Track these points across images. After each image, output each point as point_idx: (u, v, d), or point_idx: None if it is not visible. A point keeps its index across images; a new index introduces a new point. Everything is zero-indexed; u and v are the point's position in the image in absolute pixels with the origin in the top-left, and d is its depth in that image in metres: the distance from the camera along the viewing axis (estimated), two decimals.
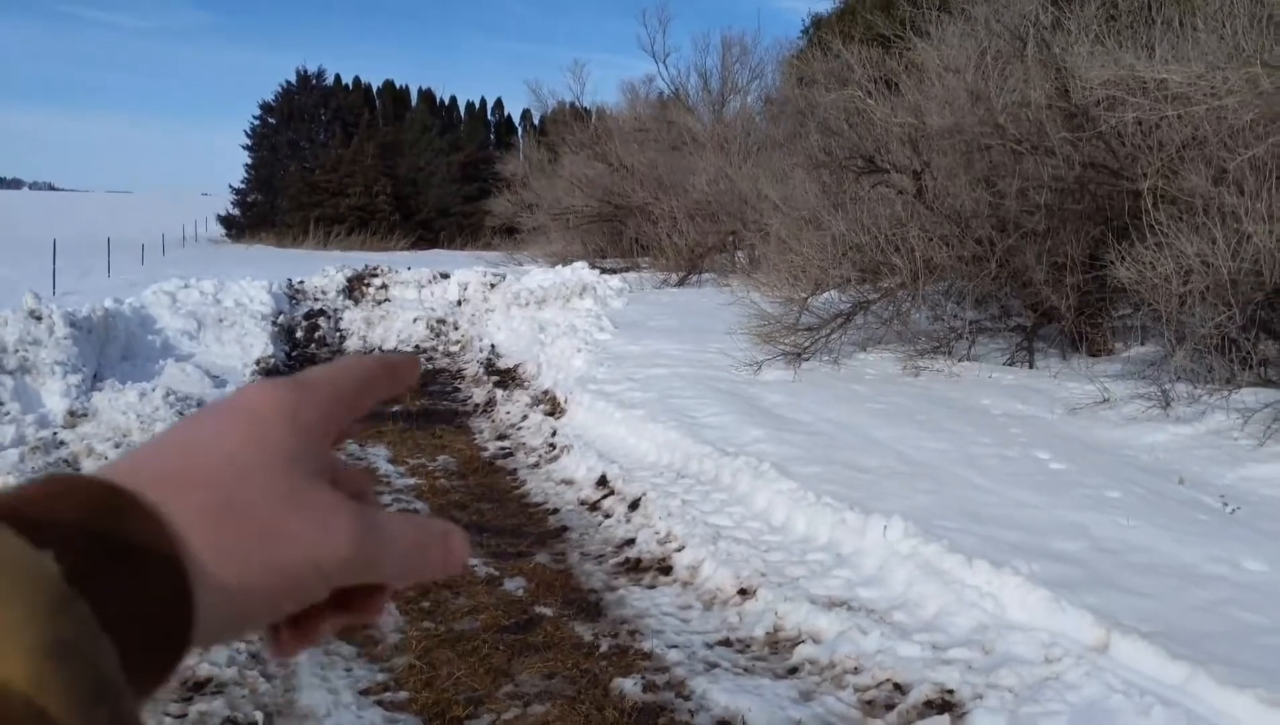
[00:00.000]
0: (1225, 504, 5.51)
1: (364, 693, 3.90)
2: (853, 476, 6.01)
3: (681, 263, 18.75)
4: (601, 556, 5.48)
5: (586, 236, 23.90)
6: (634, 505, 6.06)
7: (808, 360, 9.65)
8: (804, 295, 9.86)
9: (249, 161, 46.27)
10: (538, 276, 15.75)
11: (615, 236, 23.41)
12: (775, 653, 4.27)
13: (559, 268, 16.67)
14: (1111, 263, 7.89)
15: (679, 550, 5.29)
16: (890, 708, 3.71)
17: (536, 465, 7.46)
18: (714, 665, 4.13)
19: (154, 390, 8.51)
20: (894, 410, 7.81)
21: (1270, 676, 3.50)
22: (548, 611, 4.70)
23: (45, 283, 16.49)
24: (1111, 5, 9.87)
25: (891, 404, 8.05)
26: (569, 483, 6.88)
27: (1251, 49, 7.59)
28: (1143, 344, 9.27)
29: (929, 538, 4.86)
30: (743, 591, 4.76)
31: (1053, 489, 5.70)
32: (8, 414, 7.80)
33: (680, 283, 18.45)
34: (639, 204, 20.79)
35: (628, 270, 19.58)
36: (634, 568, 5.26)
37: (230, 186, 46.69)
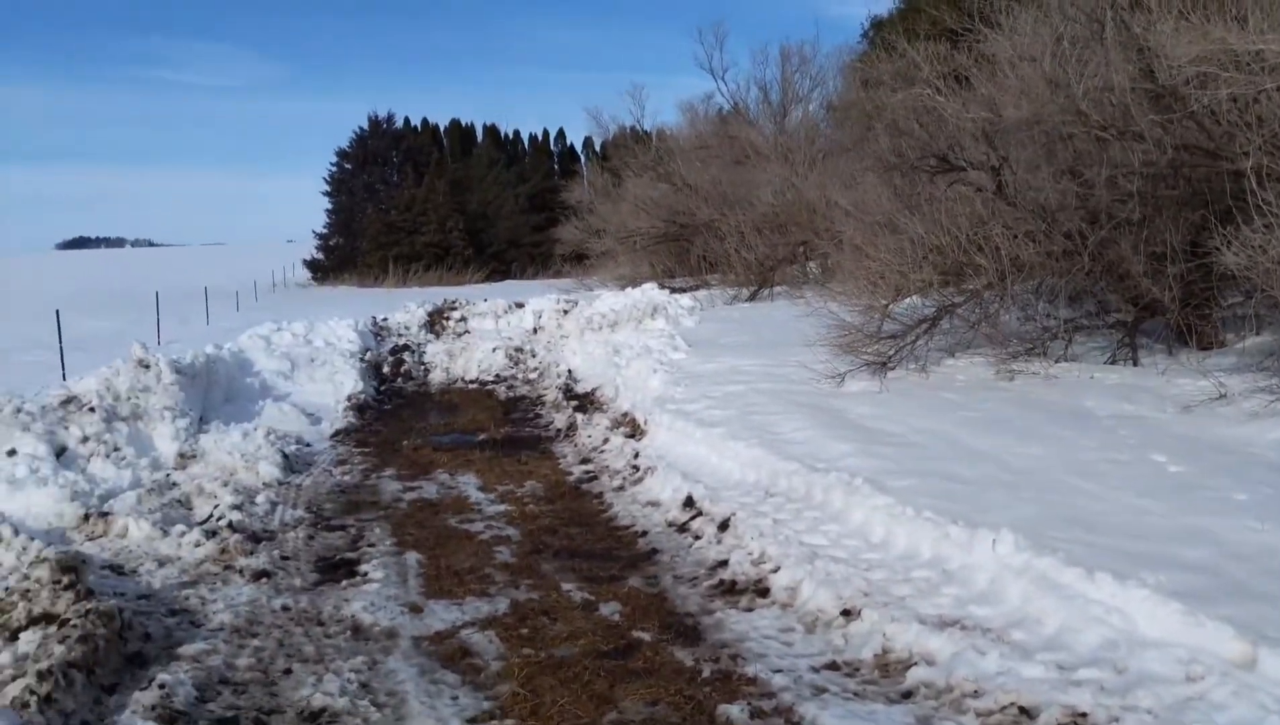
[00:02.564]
0: None
1: (471, 721, 3.81)
2: (952, 488, 5.72)
3: (752, 277, 18.53)
4: (695, 579, 5.30)
5: (654, 257, 23.87)
6: (723, 526, 5.87)
7: (893, 369, 9.34)
8: (884, 302, 9.55)
9: (329, 206, 47.81)
10: (609, 300, 15.73)
11: (683, 255, 23.32)
12: (886, 676, 4.03)
13: (629, 290, 16.63)
14: (1217, 249, 7.43)
15: (775, 571, 5.08)
16: None
17: (621, 488, 7.34)
18: (822, 690, 3.91)
19: (256, 430, 8.70)
20: (989, 417, 7.47)
21: None
22: (646, 636, 4.55)
23: (150, 332, 17.15)
24: None
25: (986, 411, 7.70)
26: (655, 504, 6.73)
27: None
28: (1258, 333, 8.70)
29: (1042, 550, 4.57)
30: (846, 612, 4.53)
31: (1173, 493, 5.32)
32: (124, 458, 8.02)
33: (751, 298, 18.22)
34: (705, 221, 20.67)
35: (697, 288, 19.45)
36: (729, 590, 5.07)
37: (313, 232, 48.26)
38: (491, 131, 51.53)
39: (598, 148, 41.22)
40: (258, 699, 3.99)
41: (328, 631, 4.70)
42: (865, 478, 5.93)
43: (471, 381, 13.64)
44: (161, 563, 5.56)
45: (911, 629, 4.21)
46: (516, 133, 52.31)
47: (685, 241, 22.58)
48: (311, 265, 46.67)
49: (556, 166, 50.32)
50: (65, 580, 4.73)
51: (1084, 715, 3.44)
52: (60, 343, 12.86)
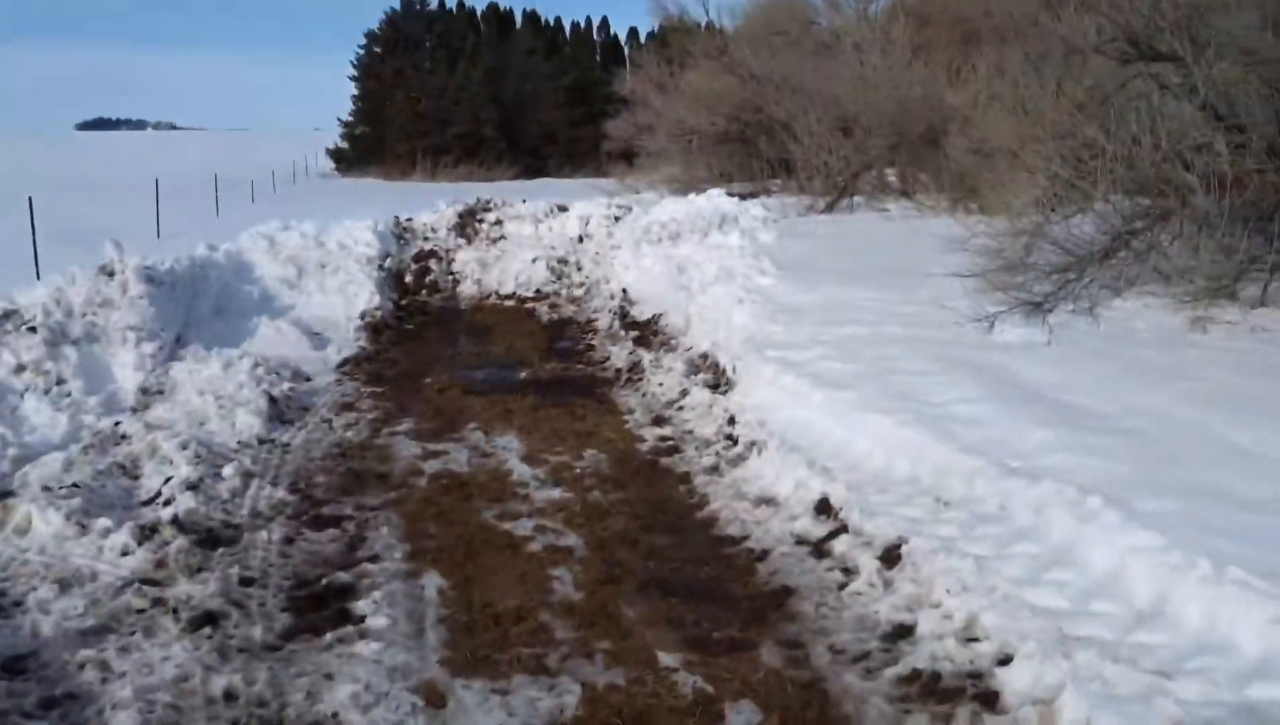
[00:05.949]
0: None
1: None
2: (1242, 520, 3.78)
3: (830, 185, 16.24)
4: (866, 657, 3.43)
5: (711, 159, 21.48)
6: (890, 558, 3.99)
7: (1050, 311, 7.29)
8: (1043, 220, 7.45)
9: (356, 93, 45.27)
10: (669, 208, 13.59)
11: (743, 158, 20.90)
12: None
13: (692, 197, 14.45)
14: None
15: (1004, 663, 3.20)
16: None
17: (716, 469, 5.46)
18: None
19: (241, 359, 6.94)
20: (1219, 391, 5.47)
21: None
22: None
23: (150, 225, 15.33)
24: None
25: (1208, 379, 5.69)
26: (769, 503, 4.85)
27: None
28: None
29: None
30: None
31: None
32: (67, 395, 6.28)
33: (828, 209, 15.99)
34: (777, 119, 18.23)
35: (755, 195, 17.19)
36: (930, 690, 3.21)
37: (338, 120, 45.79)
38: (531, 17, 48.34)
39: (655, 30, 38.05)
40: None
41: None
42: (1098, 493, 3.99)
43: (507, 296, 11.74)
44: (64, 587, 3.76)
45: None
46: (558, 19, 49.18)
47: (749, 142, 20.14)
48: (335, 154, 44.40)
49: (599, 58, 47.17)
50: None
51: None
52: (34, 236, 11.03)
